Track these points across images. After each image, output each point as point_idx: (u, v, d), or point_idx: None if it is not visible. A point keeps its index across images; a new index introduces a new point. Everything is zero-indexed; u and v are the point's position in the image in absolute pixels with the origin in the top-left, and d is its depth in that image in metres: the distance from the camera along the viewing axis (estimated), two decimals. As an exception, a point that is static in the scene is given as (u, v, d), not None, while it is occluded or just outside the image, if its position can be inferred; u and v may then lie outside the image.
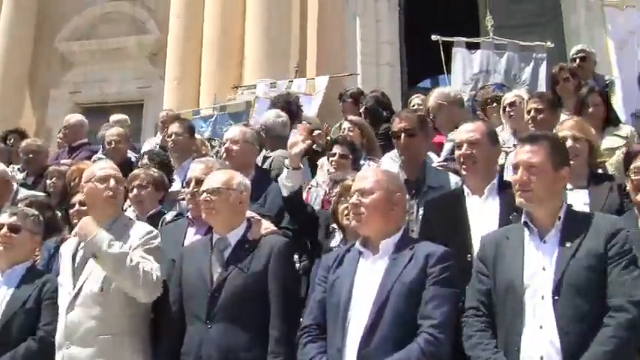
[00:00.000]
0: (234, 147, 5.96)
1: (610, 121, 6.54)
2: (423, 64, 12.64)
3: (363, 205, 3.96)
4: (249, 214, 4.68)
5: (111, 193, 4.59)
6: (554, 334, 3.49)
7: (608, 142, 6.18)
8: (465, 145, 4.56)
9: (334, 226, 4.99)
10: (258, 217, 4.74)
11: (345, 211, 4.62)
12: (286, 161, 5.43)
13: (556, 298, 3.53)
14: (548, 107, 6.17)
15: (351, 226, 4.21)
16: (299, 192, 5.39)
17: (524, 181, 3.74)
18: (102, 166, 4.81)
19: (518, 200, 3.78)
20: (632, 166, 4.55)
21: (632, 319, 3.44)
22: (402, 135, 5.20)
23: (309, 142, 5.42)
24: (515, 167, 3.81)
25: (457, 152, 4.63)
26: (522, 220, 3.81)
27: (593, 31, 12.49)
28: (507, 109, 6.82)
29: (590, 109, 6.41)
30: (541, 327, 3.53)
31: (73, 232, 4.90)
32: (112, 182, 4.60)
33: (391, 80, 14.18)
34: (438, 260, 3.83)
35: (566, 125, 5.19)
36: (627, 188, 4.59)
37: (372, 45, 14.23)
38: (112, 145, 8.25)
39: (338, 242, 4.89)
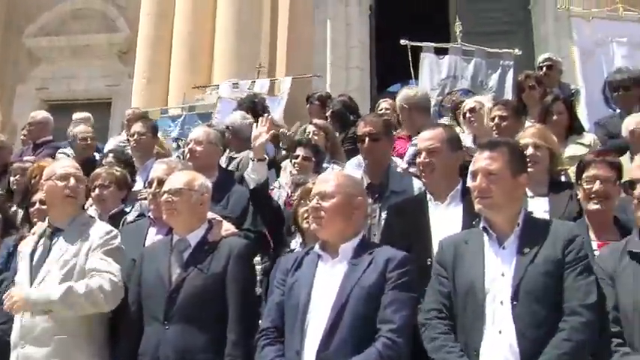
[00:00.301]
0: (198, 148, 5.94)
1: (574, 129, 6.60)
2: (393, 68, 12.66)
3: (322, 208, 3.94)
4: (210, 215, 4.67)
5: (70, 191, 4.54)
6: (513, 339, 3.52)
7: (571, 150, 6.23)
8: (423, 154, 4.57)
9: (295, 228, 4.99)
10: (220, 219, 4.72)
11: (305, 214, 4.63)
12: (251, 154, 5.44)
13: (515, 303, 3.56)
14: (512, 114, 6.21)
15: (311, 230, 4.20)
16: (265, 184, 5.43)
17: (483, 188, 3.76)
18: (63, 165, 4.77)
19: (477, 207, 3.80)
20: (583, 175, 4.59)
21: (586, 323, 3.49)
22: (367, 139, 5.20)
23: (272, 132, 5.42)
24: (474, 174, 3.82)
25: (417, 160, 4.65)
26: (481, 225, 3.84)
27: (561, 41, 12.63)
28: (467, 114, 6.86)
29: (555, 117, 6.47)
30: (500, 332, 3.56)
31: (32, 230, 4.86)
32: (72, 181, 4.56)
33: (360, 84, 14.22)
34: (397, 265, 3.82)
35: (528, 133, 5.22)
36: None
37: (341, 48, 14.26)
38: (88, 142, 8.29)
39: (297, 245, 4.87)
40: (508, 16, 14.57)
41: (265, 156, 5.43)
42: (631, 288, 3.64)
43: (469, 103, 7.02)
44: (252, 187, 5.34)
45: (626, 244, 3.84)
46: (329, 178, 4.12)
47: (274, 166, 6.82)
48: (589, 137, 6.56)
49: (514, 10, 14.65)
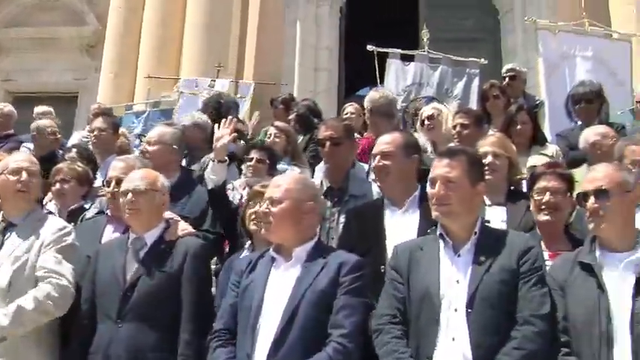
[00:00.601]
0: (150, 148, 5.92)
1: (537, 139, 6.65)
2: (362, 72, 12.72)
3: (271, 214, 3.97)
4: (168, 214, 4.65)
5: (22, 186, 4.48)
6: (467, 347, 3.54)
7: (534, 160, 6.27)
8: (378, 157, 4.60)
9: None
10: (177, 219, 4.71)
11: (252, 217, 4.65)
12: (212, 154, 5.43)
13: (469, 311, 3.58)
14: (473, 123, 6.25)
15: (261, 234, 4.22)
16: (223, 186, 5.44)
17: (442, 195, 3.78)
18: (16, 159, 4.69)
19: (435, 214, 3.81)
20: (535, 187, 4.65)
21: (538, 333, 3.54)
22: (327, 143, 5.22)
23: (234, 135, 5.42)
24: (433, 181, 3.84)
25: (372, 163, 4.68)
26: (438, 232, 3.86)
27: (529, 52, 12.76)
28: (426, 122, 6.90)
29: (518, 127, 6.52)
30: (453, 339, 3.58)
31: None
32: (24, 175, 4.48)
33: (329, 86, 14.25)
34: (351, 269, 3.84)
35: (488, 141, 5.26)
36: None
37: (310, 50, 14.27)
38: (57, 136, 8.30)
39: (246, 248, 4.87)
40: (478, 25, 14.68)
41: (226, 158, 5.42)
42: (581, 298, 3.69)
43: (427, 110, 7.07)
44: (210, 187, 5.35)
45: (577, 254, 3.90)
46: (280, 183, 4.12)
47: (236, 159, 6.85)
48: (552, 148, 6.63)
49: (484, 19, 14.77)
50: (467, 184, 3.81)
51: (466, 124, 6.20)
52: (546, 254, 4.40)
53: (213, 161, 5.36)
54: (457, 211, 3.78)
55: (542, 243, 4.54)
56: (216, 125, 5.65)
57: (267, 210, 3.99)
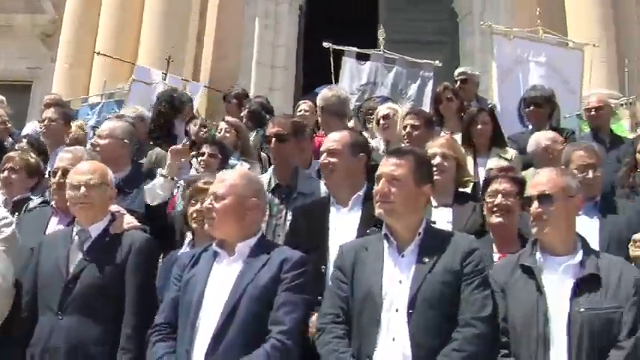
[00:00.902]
0: (101, 142, 5.88)
1: (497, 142, 6.70)
2: (321, 70, 12.73)
3: (214, 209, 3.96)
4: (114, 208, 4.61)
5: None
6: (407, 347, 3.56)
7: (493, 162, 6.34)
8: (324, 155, 4.61)
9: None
10: (123, 212, 4.67)
11: (194, 214, 4.64)
12: (162, 170, 5.40)
13: (410, 311, 3.59)
14: (424, 124, 6.28)
15: (205, 229, 4.19)
16: (166, 203, 5.48)
17: (385, 193, 3.79)
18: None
19: (378, 211, 3.82)
20: (488, 190, 4.70)
21: (478, 335, 3.57)
22: (273, 140, 5.22)
23: (191, 156, 5.37)
24: (378, 178, 3.86)
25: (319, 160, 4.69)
26: (383, 232, 3.86)
27: (486, 56, 12.82)
28: (381, 121, 6.93)
29: (479, 127, 6.58)
30: (394, 339, 3.59)
31: None
32: None
33: (285, 84, 14.25)
34: (293, 266, 3.84)
35: (437, 143, 5.30)
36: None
37: (268, 47, 14.26)
38: (7, 126, 8.19)
39: (187, 243, 4.85)
40: (437, 27, 14.78)
41: (175, 178, 5.44)
42: (521, 300, 3.74)
43: (382, 109, 7.09)
44: (152, 202, 5.37)
45: (519, 257, 3.95)
46: (224, 179, 4.11)
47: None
48: (511, 152, 6.69)
49: (443, 22, 14.87)
50: (412, 184, 3.82)
51: (416, 125, 6.23)
52: (497, 256, 4.50)
53: (163, 176, 5.33)
54: (400, 210, 3.79)
55: (495, 245, 4.60)
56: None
57: (211, 206, 3.98)
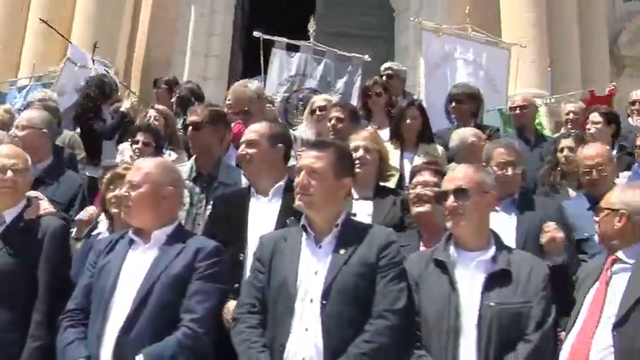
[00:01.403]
0: (20, 133, 5.81)
1: (425, 137, 6.74)
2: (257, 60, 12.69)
3: (130, 197, 3.95)
4: (32, 193, 4.57)
5: None
6: (319, 338, 3.57)
7: (419, 160, 6.37)
8: (242, 145, 4.61)
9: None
10: (41, 197, 4.61)
11: (113, 200, 4.63)
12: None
13: (324, 302, 3.61)
14: (348, 117, 6.30)
15: (121, 217, 4.17)
16: None
17: (305, 185, 3.80)
18: None
19: (297, 203, 3.83)
20: (412, 182, 4.75)
21: (391, 327, 3.60)
22: (190, 128, 5.20)
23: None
24: (299, 171, 3.87)
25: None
26: (301, 223, 3.87)
27: (419, 52, 12.91)
28: (317, 112, 6.93)
29: (408, 121, 6.61)
30: (307, 329, 3.60)
31: None
32: None
33: (219, 73, 14.17)
34: (207, 255, 3.84)
35: (360, 136, 5.33)
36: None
37: (203, 36, 14.17)
38: None
39: (104, 229, 4.80)
40: (374, 22, 14.83)
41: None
42: (433, 294, 3.79)
43: (318, 100, 7.09)
44: None
45: (433, 251, 4.00)
46: (141, 167, 4.10)
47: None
48: (439, 148, 6.74)
49: (380, 17, 14.93)
50: (331, 176, 3.84)
51: (341, 118, 6.26)
52: (422, 249, 4.52)
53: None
54: (319, 202, 3.81)
55: (421, 240, 4.66)
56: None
57: (127, 193, 3.97)
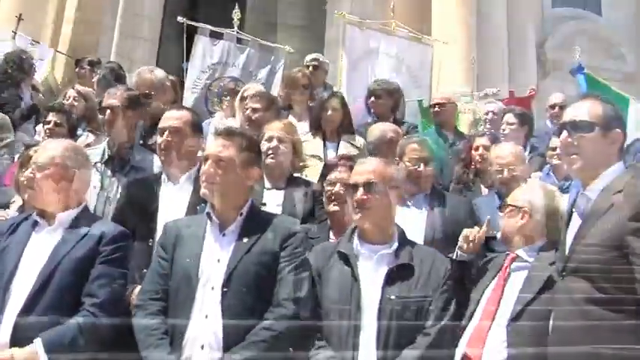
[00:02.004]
0: None
1: (346, 128, 6.78)
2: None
3: (35, 179, 3.91)
4: None
5: None
6: (219, 325, 3.59)
7: (342, 149, 6.42)
8: (165, 132, 4.59)
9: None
10: None
11: (24, 182, 4.53)
12: None
13: (225, 290, 3.63)
14: (265, 107, 6.29)
15: (27, 198, 4.13)
16: None
17: (211, 173, 3.80)
18: None
19: (203, 191, 3.84)
20: (327, 178, 4.80)
21: (290, 316, 3.64)
22: (107, 111, 5.15)
23: None
24: (205, 159, 3.87)
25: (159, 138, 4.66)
26: (206, 211, 3.88)
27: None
28: (247, 101, 6.90)
29: (329, 113, 6.64)
30: (207, 316, 3.61)
31: None
32: None
33: (148, 56, 14.01)
34: (112, 240, 3.83)
35: (274, 126, 5.36)
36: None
37: (131, 18, 13.97)
38: None
39: (15, 209, 4.75)
40: (305, 13, 14.82)
41: None
42: (335, 286, 3.85)
43: (251, 89, 7.04)
44: None
45: (338, 243, 4.06)
46: (48, 148, 4.06)
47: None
48: (360, 140, 6.78)
49: (311, 8, 14.92)
50: (237, 166, 3.84)
51: (257, 108, 6.25)
52: (334, 244, 4.56)
53: None
54: (225, 190, 3.81)
55: (332, 232, 4.71)
56: None
57: (32, 175, 3.94)
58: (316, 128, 6.71)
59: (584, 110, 3.55)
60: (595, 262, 3.31)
